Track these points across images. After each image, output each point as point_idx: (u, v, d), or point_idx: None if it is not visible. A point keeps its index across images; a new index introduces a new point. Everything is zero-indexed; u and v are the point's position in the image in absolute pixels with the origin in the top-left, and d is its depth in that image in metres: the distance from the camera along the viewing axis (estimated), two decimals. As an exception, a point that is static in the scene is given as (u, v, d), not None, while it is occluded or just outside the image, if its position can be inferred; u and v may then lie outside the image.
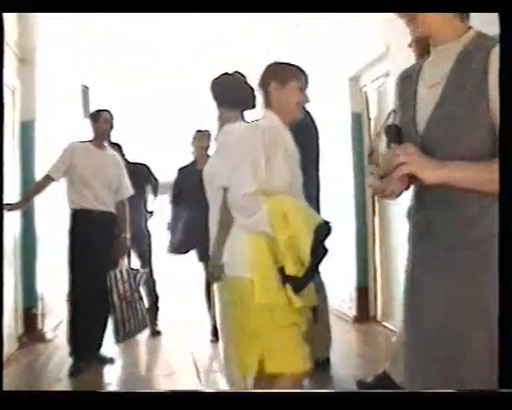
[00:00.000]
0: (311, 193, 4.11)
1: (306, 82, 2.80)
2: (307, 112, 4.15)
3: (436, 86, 1.57)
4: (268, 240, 2.54)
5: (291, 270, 2.49)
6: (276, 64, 2.82)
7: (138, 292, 4.95)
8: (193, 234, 5.15)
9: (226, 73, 3.16)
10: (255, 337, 2.59)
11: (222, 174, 2.99)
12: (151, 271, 5.88)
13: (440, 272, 1.51)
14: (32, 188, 4.86)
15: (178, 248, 5.53)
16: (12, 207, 4.48)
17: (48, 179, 4.57)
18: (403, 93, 1.69)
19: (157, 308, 5.91)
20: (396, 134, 1.54)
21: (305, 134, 4.06)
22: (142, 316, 4.84)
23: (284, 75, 2.74)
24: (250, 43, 6.84)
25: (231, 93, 3.11)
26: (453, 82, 1.53)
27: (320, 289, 4.22)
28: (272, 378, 2.58)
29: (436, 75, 1.58)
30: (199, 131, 5.56)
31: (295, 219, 2.51)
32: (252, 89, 3.14)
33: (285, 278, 2.52)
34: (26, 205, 4.88)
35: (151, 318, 5.81)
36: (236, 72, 3.15)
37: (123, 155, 5.58)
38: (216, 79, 3.16)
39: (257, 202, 2.55)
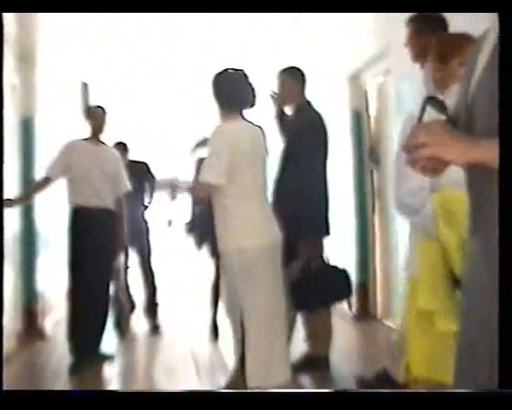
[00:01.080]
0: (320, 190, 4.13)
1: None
2: (316, 111, 4.16)
3: (489, 53, 1.35)
4: (439, 241, 2.35)
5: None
6: (438, 41, 2.60)
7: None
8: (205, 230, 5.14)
9: (228, 69, 3.14)
10: (408, 338, 2.49)
11: (218, 173, 3.00)
12: (150, 265, 5.95)
13: (487, 270, 1.33)
14: (31, 188, 4.88)
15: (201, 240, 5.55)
16: (10, 203, 4.48)
17: (47, 180, 4.57)
18: (469, 64, 1.46)
19: (156, 304, 5.93)
20: (438, 104, 1.37)
21: (316, 131, 4.07)
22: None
23: (444, 54, 2.52)
24: (250, 43, 6.83)
25: (231, 89, 3.10)
26: (494, 48, 1.32)
27: None
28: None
29: (492, 39, 1.35)
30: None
31: (464, 216, 2.31)
32: (252, 88, 3.13)
33: (456, 282, 2.29)
34: (24, 202, 4.90)
35: (150, 313, 5.84)
36: (239, 69, 3.13)
37: (125, 154, 5.62)
38: (218, 74, 3.14)
39: (422, 198, 2.36)
